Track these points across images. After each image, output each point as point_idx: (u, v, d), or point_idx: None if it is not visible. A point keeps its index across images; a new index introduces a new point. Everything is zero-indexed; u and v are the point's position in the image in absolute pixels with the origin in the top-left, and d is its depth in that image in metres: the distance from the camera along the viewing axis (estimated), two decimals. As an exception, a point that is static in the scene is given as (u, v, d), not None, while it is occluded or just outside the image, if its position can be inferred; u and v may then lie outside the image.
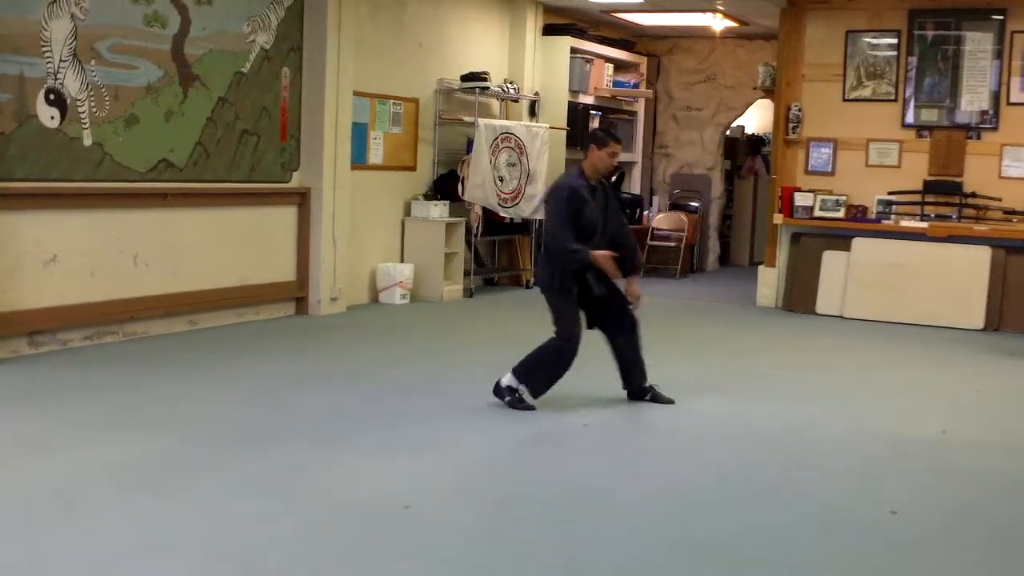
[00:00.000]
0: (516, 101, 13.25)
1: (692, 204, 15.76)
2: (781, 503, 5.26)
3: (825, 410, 7.23)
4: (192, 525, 4.62)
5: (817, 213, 11.68)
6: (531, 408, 6.79)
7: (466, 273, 12.07)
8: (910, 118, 11.59)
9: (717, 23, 13.85)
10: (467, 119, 12.00)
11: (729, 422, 6.81)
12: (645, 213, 15.49)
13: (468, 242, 12.06)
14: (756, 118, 17.25)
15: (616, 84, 14.90)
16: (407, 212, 11.68)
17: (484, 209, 12.06)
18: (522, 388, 6.81)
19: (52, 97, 7.95)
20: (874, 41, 11.71)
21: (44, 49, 7.87)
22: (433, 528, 4.72)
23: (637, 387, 7.13)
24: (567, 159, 13.86)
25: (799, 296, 11.76)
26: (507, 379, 6.85)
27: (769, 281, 12.14)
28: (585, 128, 14.06)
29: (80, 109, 8.15)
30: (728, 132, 16.53)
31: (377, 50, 11.16)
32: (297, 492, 5.12)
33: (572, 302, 6.83)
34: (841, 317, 11.40)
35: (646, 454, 6.03)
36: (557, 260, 6.78)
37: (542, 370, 6.81)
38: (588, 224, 6.78)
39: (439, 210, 11.64)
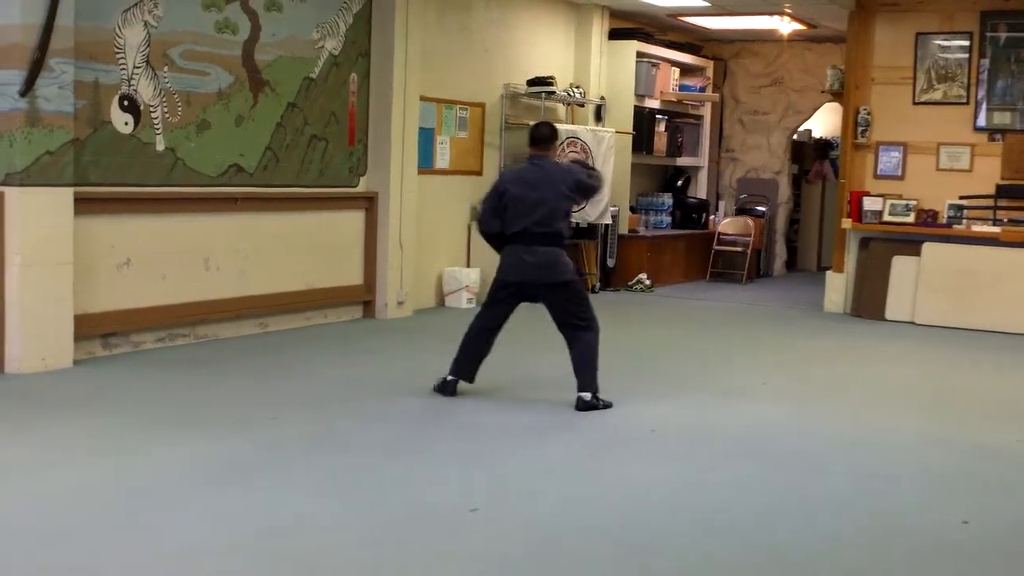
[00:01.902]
0: (582, 106, 13.24)
1: (759, 209, 15.64)
2: (850, 512, 5.21)
3: (894, 417, 7.15)
4: (258, 526, 4.67)
5: (886, 218, 11.56)
6: (610, 405, 6.92)
7: (531, 277, 12.07)
8: (982, 121, 11.42)
9: (785, 26, 13.77)
10: (533, 123, 11.99)
11: (796, 429, 6.75)
12: (711, 218, 15.42)
13: (534, 246, 12.05)
14: (824, 122, 17.09)
15: (682, 88, 14.85)
16: (473, 216, 11.72)
17: (550, 213, 12.05)
18: (592, 398, 6.94)
19: (126, 103, 8.10)
20: (945, 43, 11.57)
21: (118, 56, 8.02)
22: (500, 532, 4.73)
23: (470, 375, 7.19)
24: (633, 163, 13.85)
25: (868, 302, 11.64)
26: (587, 396, 6.91)
27: (837, 287, 12.02)
28: (651, 132, 14.04)
29: (153, 115, 8.29)
30: (795, 136, 16.40)
31: (444, 55, 11.22)
32: (364, 495, 5.15)
33: None
34: (911, 323, 11.26)
35: (713, 461, 5.99)
36: None
37: (595, 367, 6.95)
38: None
39: (505, 214, 11.65)
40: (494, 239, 7.03)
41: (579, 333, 6.96)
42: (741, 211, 15.69)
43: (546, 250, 6.91)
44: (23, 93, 7.21)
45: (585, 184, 7.10)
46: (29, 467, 5.41)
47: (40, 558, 4.24)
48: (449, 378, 7.14)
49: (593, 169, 7.53)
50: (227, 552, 4.36)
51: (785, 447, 6.32)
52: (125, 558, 4.27)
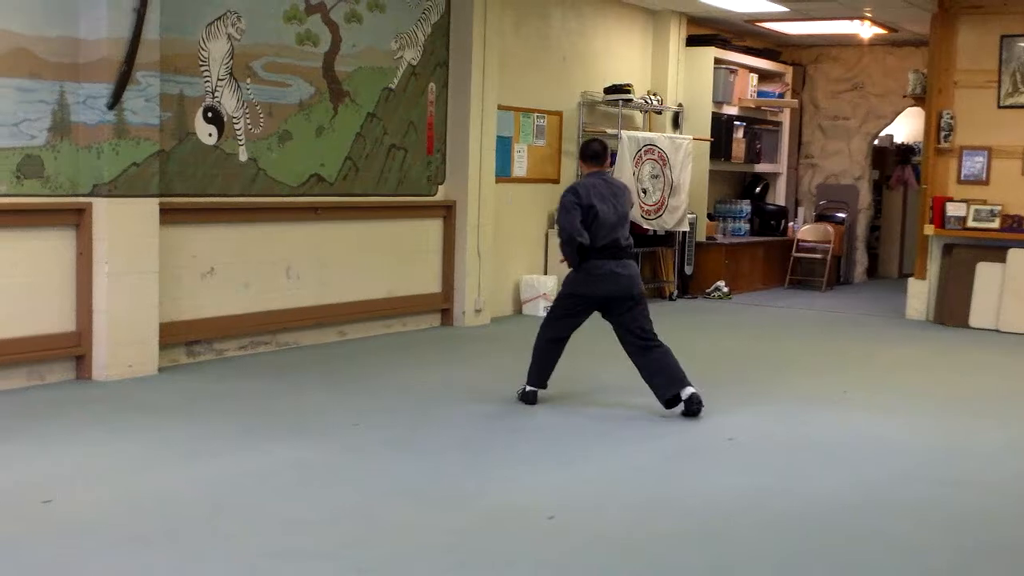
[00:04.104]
0: (659, 113, 13.21)
1: (839, 215, 15.47)
2: (934, 521, 5.15)
3: (979, 427, 7.04)
4: (339, 532, 4.73)
5: (970, 224, 11.37)
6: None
7: (609, 285, 12.06)
8: (1069, 125, 11.20)
9: (865, 30, 13.61)
10: (610, 131, 12.02)
11: (878, 437, 6.67)
12: (790, 224, 15.28)
13: (611, 254, 12.04)
14: (905, 126, 16.86)
15: (761, 94, 14.75)
16: (551, 224, 11.74)
17: (627, 221, 12.04)
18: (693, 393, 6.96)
19: (210, 115, 8.25)
20: (1031, 46, 11.36)
21: (202, 68, 8.16)
22: (577, 539, 4.74)
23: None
24: (711, 170, 13.78)
25: (951, 309, 11.46)
26: (692, 388, 6.93)
27: (919, 293, 11.85)
28: (730, 139, 13.98)
29: (236, 126, 8.43)
30: (876, 141, 16.20)
31: (521, 64, 11.27)
32: (443, 501, 5.20)
33: None
34: (996, 331, 11.07)
35: (792, 469, 5.95)
36: None
37: (679, 371, 6.98)
38: None
39: (582, 222, 11.64)
40: (577, 253, 6.98)
41: (655, 343, 7.00)
42: (821, 217, 15.53)
43: (631, 263, 7.08)
44: (111, 106, 7.37)
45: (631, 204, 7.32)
46: (116, 472, 5.53)
47: (127, 561, 4.33)
48: (529, 389, 7.19)
49: None
50: (309, 558, 4.42)
51: (866, 455, 6.24)
52: (211, 562, 4.35)
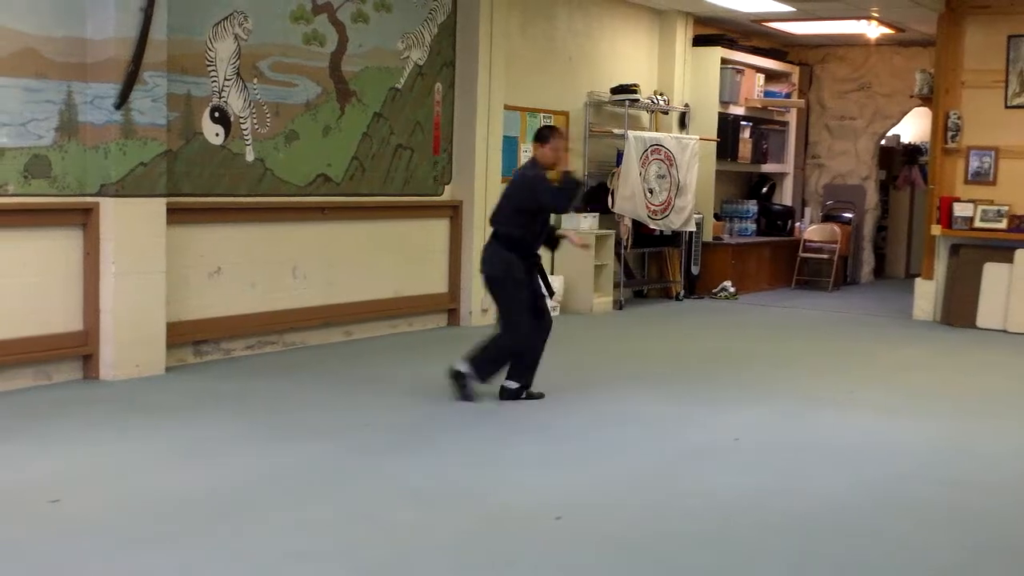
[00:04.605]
0: (666, 113, 13.20)
1: (845, 215, 15.46)
2: (936, 521, 5.14)
3: (983, 427, 7.03)
4: (345, 533, 4.73)
5: (978, 224, 11.35)
6: (470, 399, 7.10)
7: (616, 285, 12.07)
8: (1076, 125, 11.17)
9: (872, 30, 13.60)
10: (617, 131, 12.02)
11: (884, 438, 6.66)
12: (797, 225, 15.27)
13: (618, 254, 12.06)
14: (912, 127, 16.84)
15: (767, 94, 14.73)
16: (557, 224, 11.72)
17: (634, 221, 12.06)
18: (471, 374, 7.13)
19: (217, 115, 8.26)
20: (1038, 46, 11.33)
21: (209, 69, 8.17)
22: (584, 540, 4.74)
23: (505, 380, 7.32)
24: (717, 170, 13.77)
25: (958, 310, 11.44)
26: (463, 365, 7.13)
27: (926, 294, 11.83)
28: (736, 139, 13.98)
29: (243, 126, 8.44)
30: (883, 141, 16.17)
31: (528, 64, 11.27)
32: (450, 502, 5.20)
33: (526, 292, 7.18)
34: (1004, 331, 11.05)
35: (798, 470, 5.94)
36: (538, 238, 7.28)
37: (494, 366, 7.15)
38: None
39: (589, 222, 11.66)
40: None
41: (501, 328, 7.21)
42: (827, 218, 15.53)
43: (490, 245, 7.30)
44: (118, 106, 7.38)
45: (539, 196, 7.13)
46: (122, 472, 5.54)
47: (131, 562, 4.34)
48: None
49: (570, 173, 7.41)
50: (315, 559, 4.42)
51: (870, 455, 6.24)
52: (215, 562, 4.35)
